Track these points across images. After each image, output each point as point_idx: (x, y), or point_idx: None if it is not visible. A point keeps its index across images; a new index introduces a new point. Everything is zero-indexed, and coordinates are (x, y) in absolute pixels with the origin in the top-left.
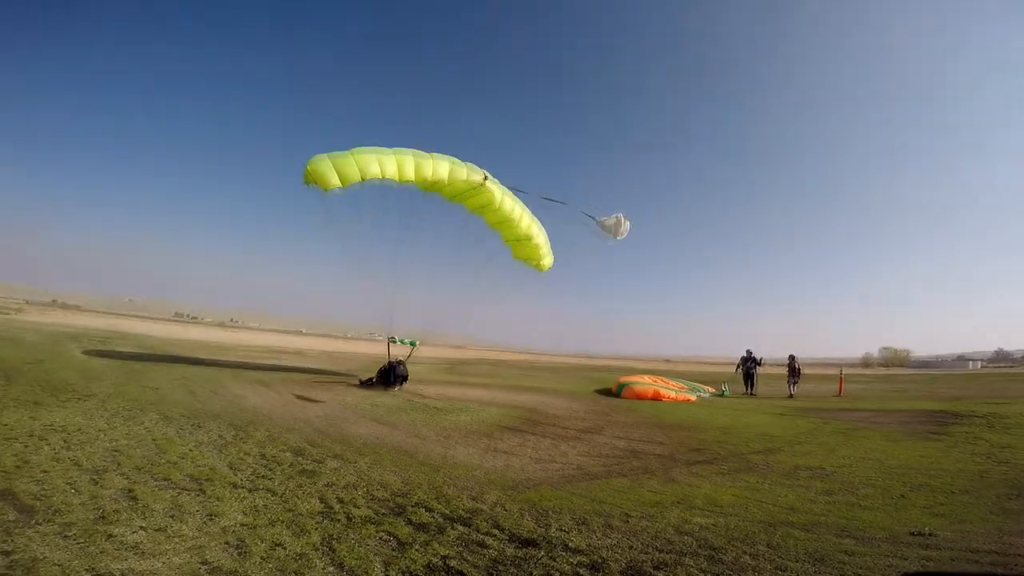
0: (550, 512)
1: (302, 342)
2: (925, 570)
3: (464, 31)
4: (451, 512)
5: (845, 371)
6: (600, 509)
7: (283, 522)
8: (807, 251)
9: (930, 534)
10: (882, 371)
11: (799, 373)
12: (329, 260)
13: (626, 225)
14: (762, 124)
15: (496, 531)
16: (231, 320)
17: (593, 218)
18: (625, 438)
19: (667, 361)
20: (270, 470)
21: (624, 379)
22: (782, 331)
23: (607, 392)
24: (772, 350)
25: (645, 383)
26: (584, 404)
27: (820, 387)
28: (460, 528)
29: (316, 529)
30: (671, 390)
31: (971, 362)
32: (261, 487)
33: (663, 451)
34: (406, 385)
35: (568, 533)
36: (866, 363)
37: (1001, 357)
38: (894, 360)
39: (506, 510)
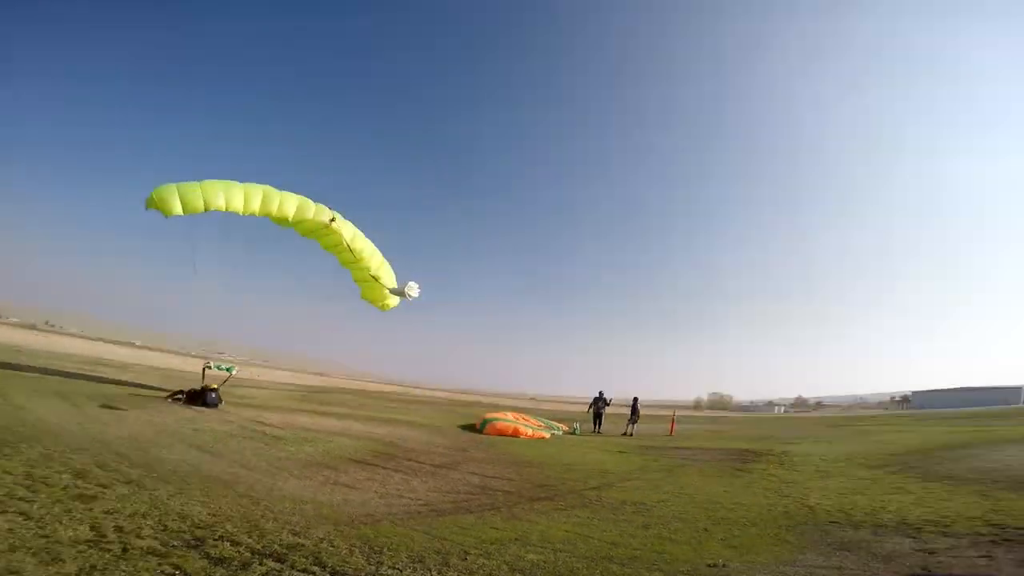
0: (384, 549)
1: (132, 354)
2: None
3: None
4: (263, 547)
5: (679, 413)
6: (440, 547)
7: (29, 549)
8: (664, 304)
9: (724, 565)
10: (709, 413)
11: (638, 413)
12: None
13: (415, 290)
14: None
15: (315, 568)
16: (47, 323)
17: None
18: (479, 474)
19: (533, 399)
20: (33, 492)
21: (489, 415)
22: (632, 374)
23: (471, 427)
24: (622, 391)
25: (507, 419)
26: (446, 439)
27: (655, 427)
28: (270, 564)
29: (74, 559)
30: (529, 427)
31: (777, 407)
32: (12, 509)
33: (512, 487)
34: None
35: (401, 571)
36: (697, 406)
37: (799, 403)
38: (719, 404)
39: (333, 546)
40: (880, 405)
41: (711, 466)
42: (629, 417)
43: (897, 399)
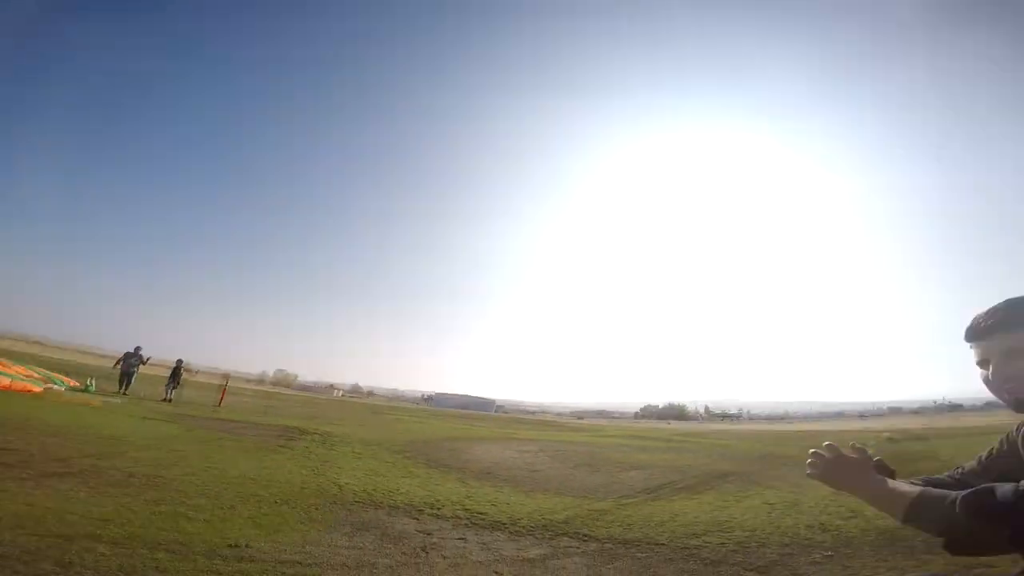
0: None
1: None
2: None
3: None
4: None
5: (239, 385)
6: None
7: None
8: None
9: (247, 546)
10: (269, 388)
11: (179, 378)
12: None
13: None
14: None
15: None
16: None
17: None
18: None
19: (39, 343)
20: None
21: None
22: (190, 337)
23: None
24: (179, 354)
25: None
26: None
27: (204, 395)
28: None
29: None
30: (6, 375)
31: (337, 390)
32: None
33: None
34: None
35: None
36: (260, 380)
37: (355, 390)
38: (283, 381)
39: None
40: (413, 400)
41: (253, 441)
42: (167, 381)
43: (424, 396)
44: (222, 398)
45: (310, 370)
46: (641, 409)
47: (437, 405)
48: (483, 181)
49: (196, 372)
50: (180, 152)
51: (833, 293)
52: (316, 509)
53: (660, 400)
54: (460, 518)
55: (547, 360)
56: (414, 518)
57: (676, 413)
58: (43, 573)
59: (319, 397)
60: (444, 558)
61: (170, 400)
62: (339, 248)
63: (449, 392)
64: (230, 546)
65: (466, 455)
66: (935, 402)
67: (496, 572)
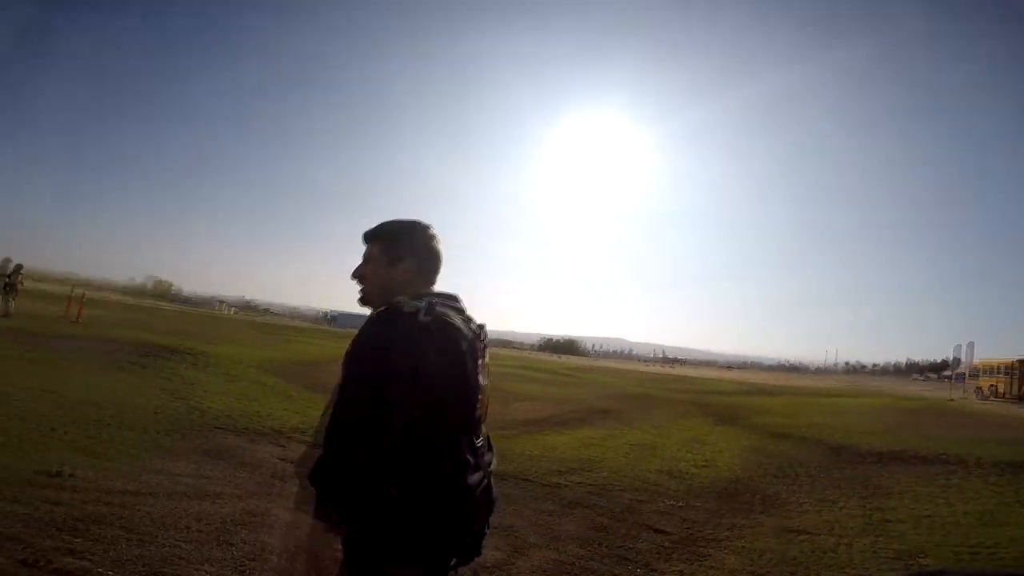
0: None
1: None
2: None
3: None
4: None
5: (107, 296)
6: None
7: None
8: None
9: (69, 475)
10: (146, 302)
11: (16, 287)
12: None
13: None
14: None
15: None
16: None
17: None
18: None
19: None
20: None
21: None
22: (28, 231)
23: None
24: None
25: None
26: None
27: (53, 308)
28: None
29: None
30: None
31: (225, 305)
32: None
33: None
34: None
35: None
36: (132, 291)
37: (246, 305)
38: (159, 291)
39: None
40: (313, 319)
41: (110, 360)
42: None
43: (326, 315)
44: (80, 312)
45: (196, 280)
46: (542, 341)
47: (340, 326)
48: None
49: (30, 280)
50: None
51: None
52: (166, 435)
53: (558, 333)
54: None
55: (463, 283)
56: (280, 445)
57: (569, 347)
58: None
59: (202, 312)
60: (302, 487)
61: (8, 315)
62: (235, 128)
63: (356, 312)
64: (48, 474)
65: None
66: (786, 362)
67: None
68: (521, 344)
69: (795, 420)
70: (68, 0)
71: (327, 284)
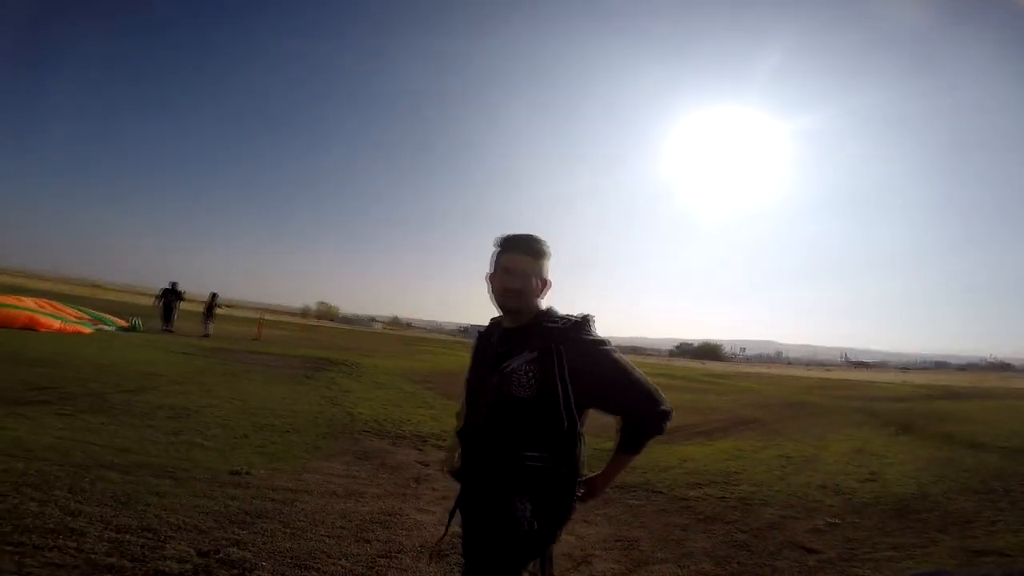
0: None
1: None
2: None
3: None
4: None
5: (286, 319)
6: None
7: None
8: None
9: (246, 472)
10: (314, 322)
11: (214, 312)
12: None
13: None
14: None
15: None
16: None
17: None
18: None
19: (95, 286)
20: None
21: None
22: (227, 269)
23: None
24: (215, 287)
25: (19, 306)
26: None
27: (242, 329)
28: None
29: None
30: (60, 318)
31: (377, 323)
32: None
33: None
34: None
35: None
36: (304, 313)
37: (395, 322)
38: (326, 314)
39: None
40: (451, 332)
41: (282, 373)
42: (203, 315)
43: (461, 328)
44: (259, 331)
45: (354, 303)
46: (676, 347)
47: (472, 337)
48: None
49: (226, 306)
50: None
51: (876, 241)
52: (323, 438)
53: (695, 338)
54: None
55: (590, 290)
56: (418, 449)
57: (710, 352)
58: (54, 499)
59: (358, 329)
60: (434, 490)
61: (208, 335)
62: (385, 181)
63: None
64: (231, 473)
65: None
66: (984, 359)
67: (418, 508)
68: (657, 350)
69: (994, 427)
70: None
71: (463, 300)
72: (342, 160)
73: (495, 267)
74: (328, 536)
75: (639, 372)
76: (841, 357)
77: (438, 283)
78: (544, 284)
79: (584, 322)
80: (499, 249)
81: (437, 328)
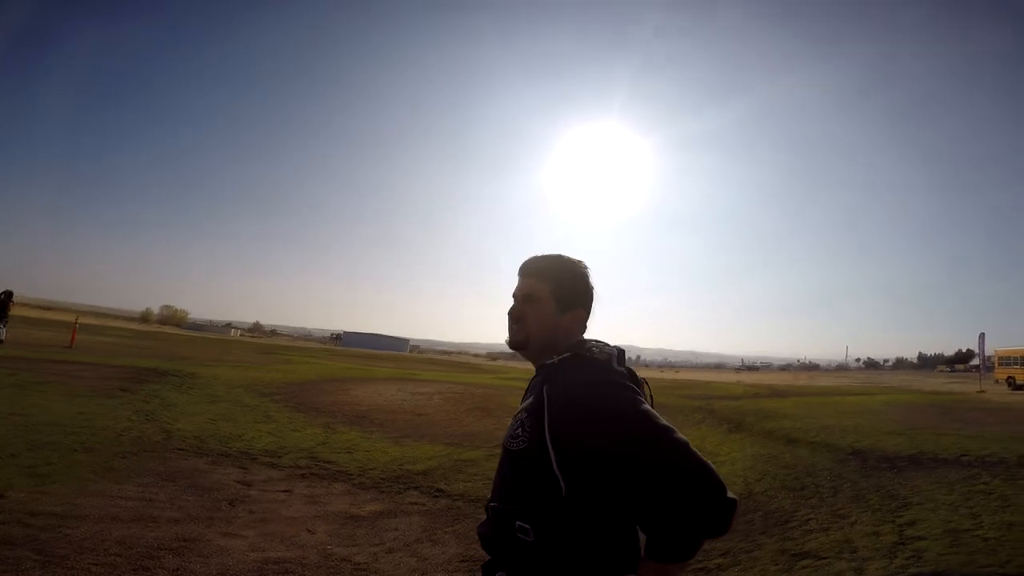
0: None
1: None
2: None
3: None
4: None
5: (115, 324)
6: None
7: None
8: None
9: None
10: (153, 328)
11: (7, 313)
12: None
13: None
14: None
15: None
16: None
17: None
18: None
19: None
20: None
21: None
22: (35, 263)
23: None
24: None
25: None
26: None
27: (54, 335)
28: None
29: None
30: None
31: (234, 329)
32: None
33: None
34: None
35: None
36: (144, 318)
37: (255, 328)
38: (172, 319)
39: None
40: (321, 339)
41: (91, 385)
42: None
43: (333, 335)
44: (73, 337)
45: (211, 308)
46: None
47: (346, 344)
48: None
49: (13, 305)
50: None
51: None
52: (122, 458)
53: None
54: (299, 467)
55: (473, 299)
56: (242, 467)
57: None
58: None
59: (208, 336)
60: (251, 512)
61: (1, 340)
62: (250, 169)
63: (364, 331)
64: None
65: (347, 397)
66: (799, 360)
67: (308, 530)
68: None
69: (808, 423)
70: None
71: (342, 306)
72: (201, 121)
73: None
74: (96, 564)
75: (672, 433)
76: (739, 362)
77: (314, 286)
78: (566, 311)
79: (582, 356)
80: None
81: (306, 335)
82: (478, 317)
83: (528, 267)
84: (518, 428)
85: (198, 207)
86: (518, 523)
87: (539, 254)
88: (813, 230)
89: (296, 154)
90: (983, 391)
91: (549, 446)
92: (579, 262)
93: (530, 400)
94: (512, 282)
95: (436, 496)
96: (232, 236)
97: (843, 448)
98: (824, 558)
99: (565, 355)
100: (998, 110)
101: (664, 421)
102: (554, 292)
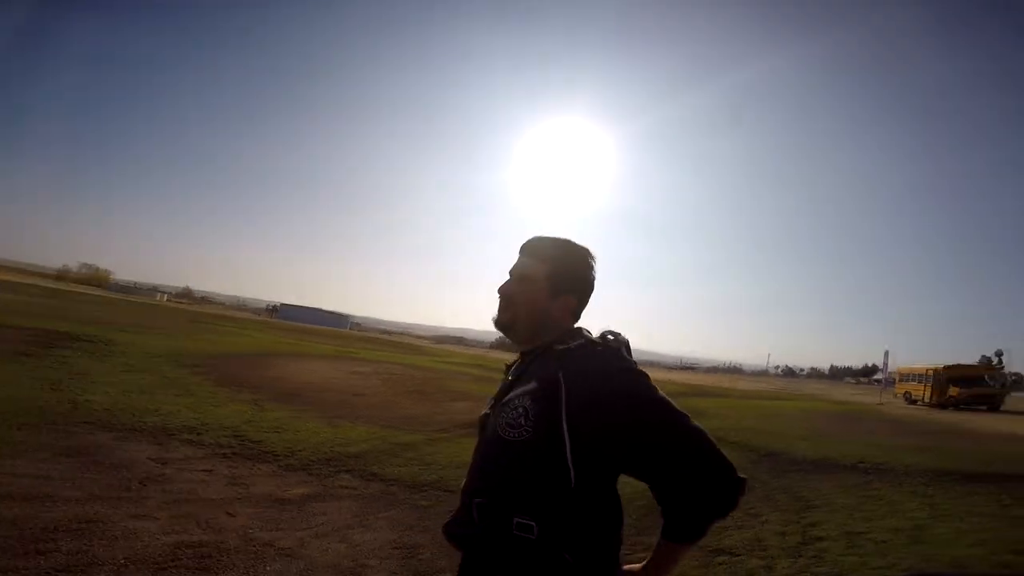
0: None
1: None
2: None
3: None
4: None
5: (26, 279)
6: None
7: None
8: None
9: None
10: (75, 287)
11: None
12: None
13: None
14: None
15: None
16: None
17: None
18: None
19: None
20: None
21: None
22: None
23: None
24: None
25: None
26: None
27: None
28: None
29: None
30: None
31: (161, 293)
32: None
33: None
34: None
35: None
36: (61, 276)
37: (186, 293)
38: (93, 279)
39: None
40: (256, 311)
41: None
42: None
43: (268, 307)
44: None
45: (135, 269)
46: (497, 340)
47: (283, 317)
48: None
49: None
50: None
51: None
52: (19, 430)
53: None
54: (223, 446)
55: (420, 280)
56: (157, 444)
57: None
58: None
59: (132, 300)
60: (165, 493)
61: None
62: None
63: (302, 304)
64: None
65: (278, 373)
66: (725, 363)
67: (229, 513)
68: (478, 340)
69: (731, 423)
70: None
71: (279, 277)
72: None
73: None
74: None
75: (689, 420)
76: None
77: (252, 253)
78: (558, 296)
79: (603, 343)
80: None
81: (240, 305)
82: (424, 299)
83: (530, 246)
84: (519, 417)
85: (131, 161)
86: (517, 520)
87: (540, 235)
88: (744, 239)
89: (244, 116)
90: (882, 404)
91: (565, 434)
92: (585, 249)
93: (532, 386)
94: (459, 266)
95: (369, 480)
96: (167, 195)
97: (759, 450)
98: (738, 555)
99: (581, 341)
100: (932, 137)
101: (681, 408)
102: (550, 275)
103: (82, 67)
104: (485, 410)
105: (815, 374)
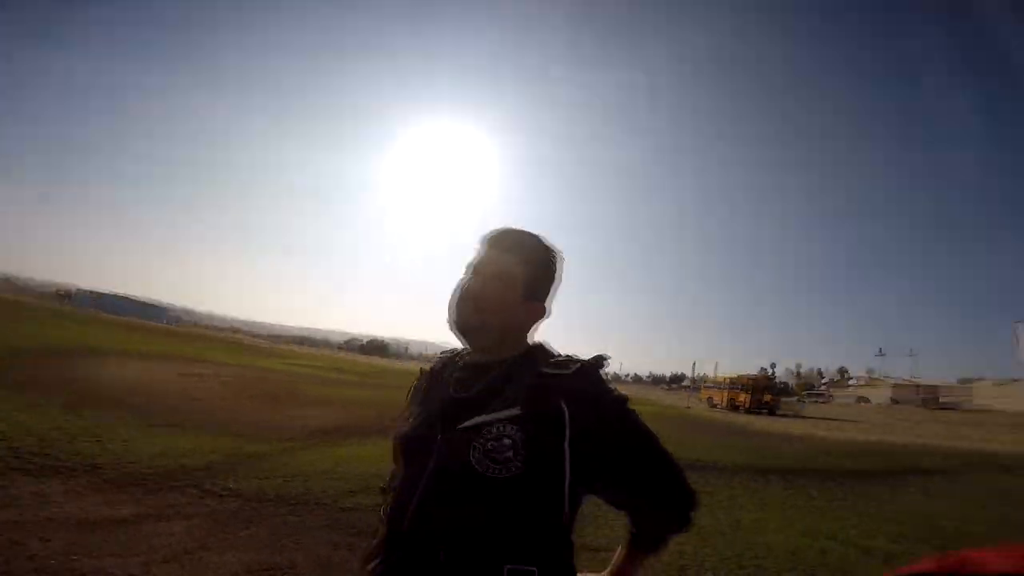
0: None
1: None
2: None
3: None
4: None
5: None
6: None
7: None
8: None
9: None
10: None
11: None
12: None
13: None
14: None
15: None
16: None
17: None
18: None
19: None
20: None
21: None
22: None
23: None
24: None
25: None
26: None
27: None
28: None
29: None
30: None
31: None
32: None
33: None
34: None
35: None
36: None
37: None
38: None
39: None
40: (40, 296)
41: None
42: None
43: (60, 292)
44: None
45: None
46: (345, 342)
47: (80, 304)
48: None
49: None
50: None
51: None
52: None
53: (367, 334)
54: (23, 459)
55: (259, 273)
56: None
57: (378, 349)
58: None
59: None
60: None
61: None
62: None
63: (104, 291)
64: None
65: (91, 374)
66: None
67: (42, 537)
68: (325, 341)
69: None
70: None
71: (70, 253)
72: None
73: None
74: None
75: (661, 443)
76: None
77: (33, 221)
78: (531, 302)
79: (598, 365)
80: (478, 249)
81: (18, 288)
82: (262, 293)
83: (505, 240)
84: (506, 450)
85: None
86: (510, 568)
87: (512, 227)
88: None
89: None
90: (689, 407)
91: (566, 464)
92: (558, 252)
93: (515, 412)
94: (317, 259)
95: (222, 496)
96: None
97: None
98: (598, 550)
99: (580, 364)
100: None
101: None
102: (527, 278)
103: None
104: (420, 430)
105: (638, 380)
